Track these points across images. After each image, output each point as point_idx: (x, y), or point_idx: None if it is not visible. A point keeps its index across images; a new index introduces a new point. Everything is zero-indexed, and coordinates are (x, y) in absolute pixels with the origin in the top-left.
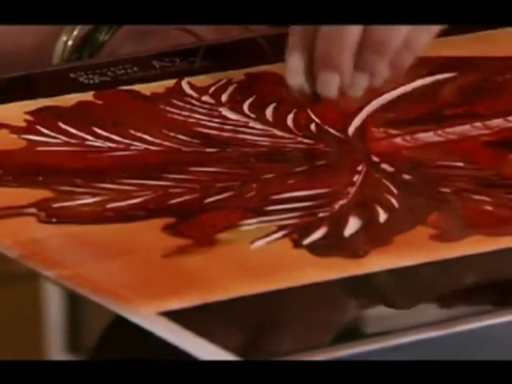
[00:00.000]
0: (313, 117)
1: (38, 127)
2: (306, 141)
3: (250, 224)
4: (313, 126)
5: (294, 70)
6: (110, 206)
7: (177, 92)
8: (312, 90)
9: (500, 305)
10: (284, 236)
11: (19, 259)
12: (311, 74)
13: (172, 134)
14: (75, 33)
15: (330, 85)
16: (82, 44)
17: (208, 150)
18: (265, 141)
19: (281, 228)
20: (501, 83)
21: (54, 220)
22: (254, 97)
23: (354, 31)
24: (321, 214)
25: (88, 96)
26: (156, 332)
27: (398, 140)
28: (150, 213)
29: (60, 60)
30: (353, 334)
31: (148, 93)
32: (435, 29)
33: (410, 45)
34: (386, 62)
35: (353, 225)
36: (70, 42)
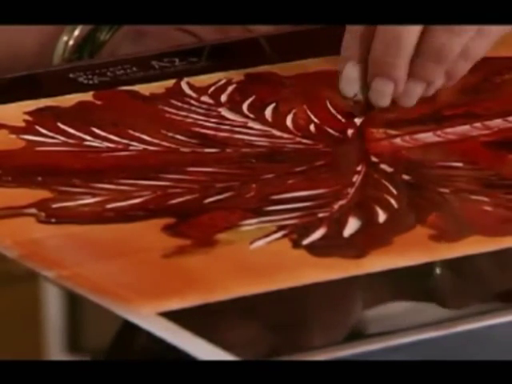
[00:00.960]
0: (312, 117)
1: (38, 127)
2: (305, 141)
3: (250, 224)
4: (312, 127)
5: (349, 79)
6: (109, 206)
7: (176, 92)
8: (366, 99)
9: (500, 305)
10: (283, 236)
11: (19, 259)
12: (366, 82)
13: (171, 135)
14: (76, 33)
15: (383, 93)
16: (83, 44)
17: (207, 150)
18: (264, 141)
19: (280, 228)
20: (500, 83)
21: (53, 220)
22: (254, 97)
23: (411, 36)
24: (320, 215)
25: (87, 96)
26: (156, 332)
27: (398, 140)
28: (150, 213)
29: (61, 60)
30: (354, 334)
31: (147, 93)
32: (495, 35)
33: (467, 53)
34: (442, 70)
35: (352, 225)
36: (70, 42)
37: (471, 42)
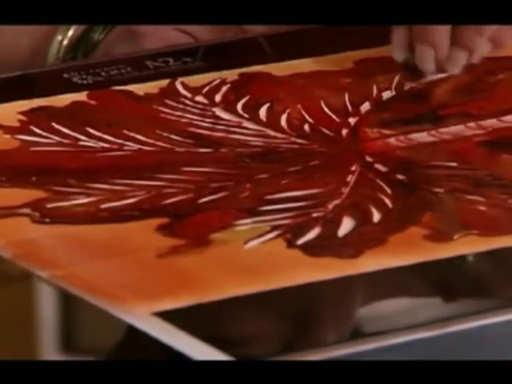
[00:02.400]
0: (306, 117)
1: (32, 127)
2: (299, 141)
3: (244, 224)
4: (306, 126)
5: (398, 45)
6: (103, 206)
7: (170, 92)
8: (414, 64)
9: (494, 305)
10: (278, 236)
11: (13, 259)
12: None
13: (165, 134)
14: (70, 33)
15: (425, 59)
16: (77, 44)
17: (201, 150)
18: (258, 141)
19: (274, 228)
20: (494, 83)
21: (47, 220)
22: (248, 97)
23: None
24: (315, 214)
25: (82, 96)
26: (150, 332)
27: (392, 140)
28: (144, 213)
29: (55, 60)
30: (347, 334)
31: (142, 93)
32: None
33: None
34: (484, 38)
35: (347, 225)
36: (65, 42)
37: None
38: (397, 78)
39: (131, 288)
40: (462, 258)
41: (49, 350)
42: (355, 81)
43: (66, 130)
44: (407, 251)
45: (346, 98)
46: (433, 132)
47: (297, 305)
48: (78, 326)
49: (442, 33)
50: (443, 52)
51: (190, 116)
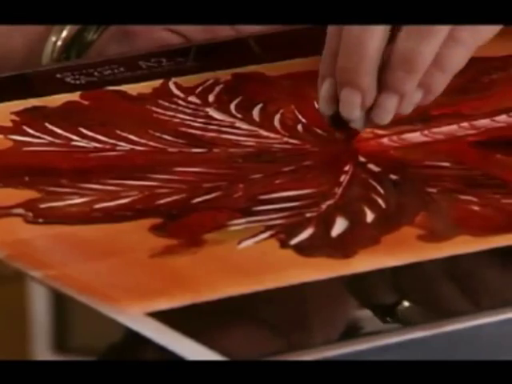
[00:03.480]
0: (299, 117)
1: (25, 127)
2: (292, 141)
3: (238, 224)
4: (299, 127)
5: (325, 97)
6: (97, 206)
7: (163, 92)
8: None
9: (489, 305)
10: (271, 236)
11: (6, 260)
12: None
13: (159, 135)
14: (64, 33)
15: (352, 104)
16: (70, 44)
17: (194, 150)
18: (251, 141)
19: (268, 228)
20: (488, 83)
21: (40, 220)
22: (241, 97)
23: (375, 41)
24: (308, 214)
25: (75, 96)
26: (143, 332)
27: (385, 140)
28: (138, 213)
29: (49, 60)
30: (341, 334)
31: (135, 93)
32: (471, 44)
33: (442, 63)
34: (415, 81)
35: (340, 225)
36: (58, 43)
37: (445, 50)
38: None
39: (125, 288)
40: (456, 257)
41: (42, 350)
42: None
43: (58, 131)
44: (400, 251)
45: None
46: (426, 132)
47: (290, 305)
48: (71, 327)
49: (367, 72)
50: (371, 96)
51: (182, 116)
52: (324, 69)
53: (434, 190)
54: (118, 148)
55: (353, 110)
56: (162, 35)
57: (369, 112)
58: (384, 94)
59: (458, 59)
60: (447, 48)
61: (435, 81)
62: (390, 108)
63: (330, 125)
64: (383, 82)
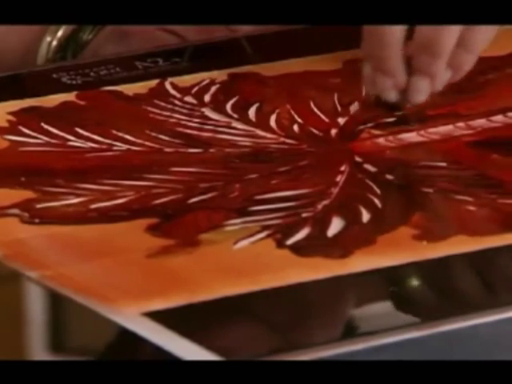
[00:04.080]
0: (295, 117)
1: (21, 128)
2: (288, 141)
3: (234, 224)
4: (296, 127)
5: (367, 79)
6: (93, 206)
7: (160, 92)
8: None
9: (484, 305)
10: (267, 236)
11: (2, 260)
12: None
13: (155, 135)
14: (59, 33)
15: (384, 88)
16: (66, 44)
17: (191, 150)
18: (248, 141)
19: (264, 228)
20: (484, 83)
21: (37, 220)
22: (237, 97)
23: (395, 31)
24: (304, 214)
25: (71, 96)
26: (139, 332)
27: (381, 140)
28: (134, 213)
29: (45, 60)
30: (337, 334)
31: (131, 93)
32: (491, 29)
33: (466, 43)
34: (442, 63)
35: (336, 225)
36: (54, 43)
37: (467, 31)
38: None
39: (121, 288)
40: (452, 257)
41: (38, 350)
42: (344, 81)
43: (55, 131)
44: (397, 251)
45: (336, 98)
46: (422, 132)
47: (286, 305)
48: (67, 327)
49: (392, 58)
50: (401, 80)
51: (178, 116)
52: (365, 48)
53: (430, 190)
54: (115, 148)
55: (388, 93)
56: (158, 35)
57: (405, 93)
58: (415, 76)
59: (482, 38)
60: (469, 29)
61: (463, 61)
62: (422, 89)
63: (375, 104)
64: (413, 66)
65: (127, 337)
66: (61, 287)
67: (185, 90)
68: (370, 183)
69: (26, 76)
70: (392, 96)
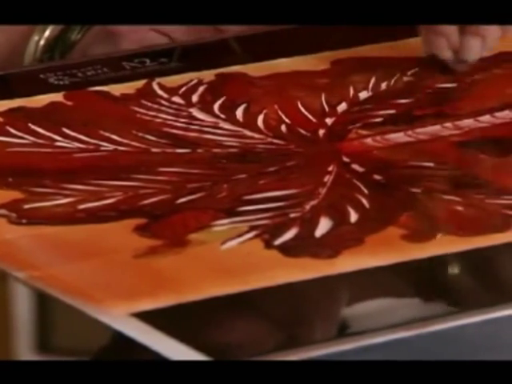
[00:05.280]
0: (283, 117)
1: (8, 128)
2: (276, 141)
3: (222, 224)
4: (283, 127)
5: (424, 40)
6: (81, 207)
7: (147, 93)
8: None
9: (471, 305)
10: (255, 236)
11: None
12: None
13: (142, 135)
14: (47, 32)
15: (440, 48)
16: (54, 44)
17: (179, 150)
18: (235, 141)
19: (252, 228)
20: (470, 83)
21: (24, 221)
22: (225, 97)
23: None
24: (292, 215)
25: (58, 97)
26: (127, 332)
27: (369, 140)
28: (122, 214)
29: (32, 60)
30: (325, 334)
31: (118, 94)
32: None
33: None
34: (491, 27)
35: (324, 225)
36: (41, 42)
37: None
38: (373, 79)
39: (109, 289)
40: (439, 258)
41: (25, 350)
42: (332, 81)
43: (42, 131)
44: (385, 251)
45: (323, 99)
46: (409, 132)
47: (275, 306)
48: (55, 327)
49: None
50: (453, 39)
51: (166, 117)
52: None
53: (417, 190)
54: (102, 148)
55: (442, 51)
56: (146, 35)
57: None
58: (467, 36)
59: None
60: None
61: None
62: (474, 47)
63: (433, 63)
64: (465, 28)
65: (115, 337)
66: (49, 288)
67: (172, 91)
68: (358, 183)
69: (13, 76)
70: (447, 54)
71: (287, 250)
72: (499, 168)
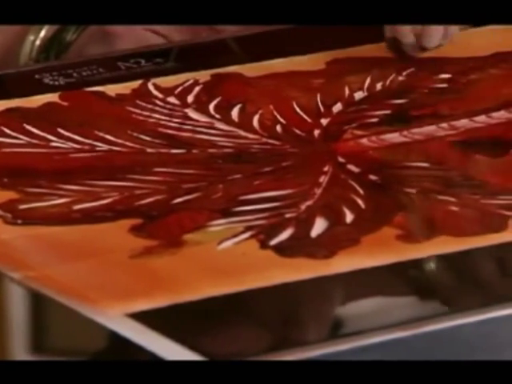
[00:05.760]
0: (278, 117)
1: (4, 128)
2: (271, 141)
3: (218, 225)
4: (278, 127)
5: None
6: (76, 207)
7: (142, 93)
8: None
9: (467, 305)
10: (251, 237)
11: None
12: None
13: (137, 135)
14: (42, 32)
15: (403, 30)
16: (49, 44)
17: (174, 151)
18: (231, 142)
19: (248, 229)
20: (466, 84)
21: (19, 221)
22: (220, 98)
23: None
24: (287, 215)
25: (54, 97)
26: (122, 333)
27: (364, 141)
28: (117, 214)
29: (28, 60)
30: (321, 334)
31: (113, 94)
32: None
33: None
34: None
35: (320, 225)
36: (37, 42)
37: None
38: (369, 79)
39: (104, 289)
40: (434, 258)
41: (21, 350)
42: (327, 81)
43: (37, 132)
44: (380, 251)
45: (318, 99)
46: (405, 132)
47: (271, 306)
48: (51, 327)
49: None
50: (417, 26)
51: (161, 117)
52: None
53: (412, 191)
54: (97, 149)
55: (405, 36)
56: (142, 36)
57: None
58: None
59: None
60: None
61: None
62: (435, 35)
63: (389, 47)
64: None
65: (111, 337)
66: (44, 288)
67: (168, 91)
68: (354, 184)
69: (9, 77)
70: (409, 39)
71: (283, 250)
72: (495, 168)
